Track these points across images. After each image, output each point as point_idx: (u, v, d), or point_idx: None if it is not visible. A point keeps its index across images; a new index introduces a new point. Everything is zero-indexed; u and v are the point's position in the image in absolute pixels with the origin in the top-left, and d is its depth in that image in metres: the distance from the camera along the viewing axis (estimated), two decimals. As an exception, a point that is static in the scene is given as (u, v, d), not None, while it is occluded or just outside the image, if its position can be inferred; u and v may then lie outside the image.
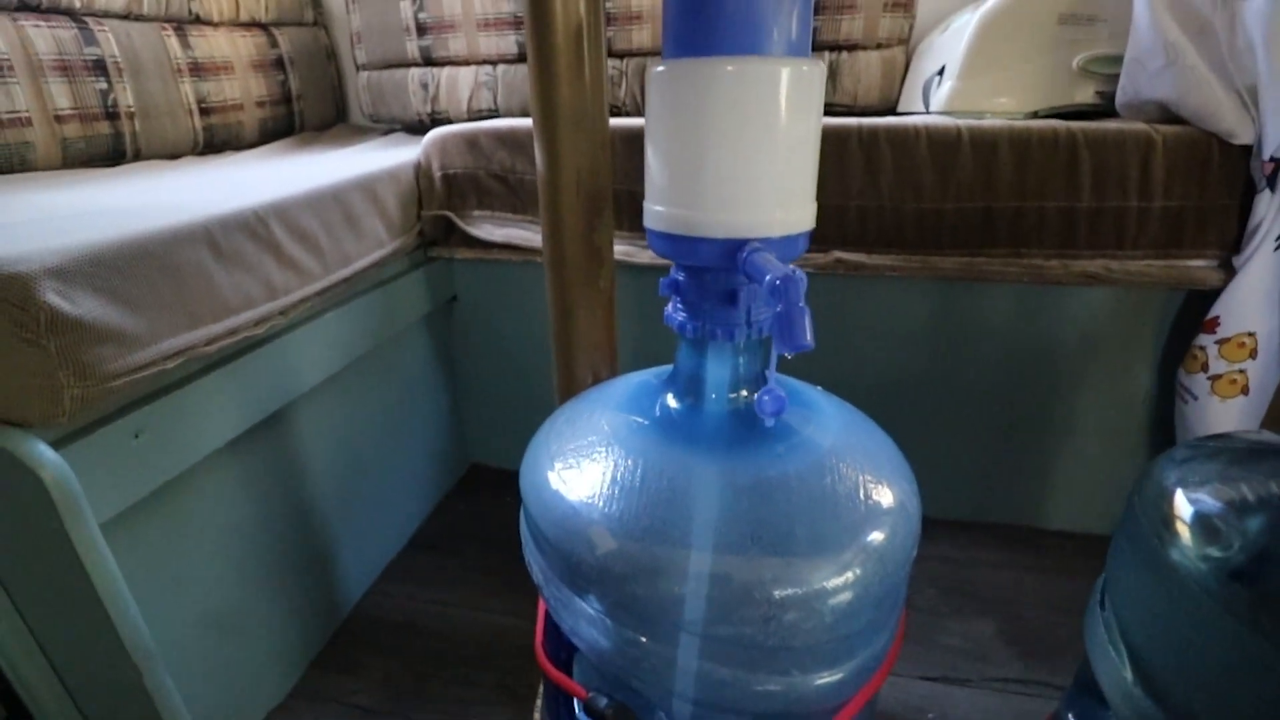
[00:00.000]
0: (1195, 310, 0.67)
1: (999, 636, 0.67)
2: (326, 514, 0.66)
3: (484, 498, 0.91)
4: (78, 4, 0.80)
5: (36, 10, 0.77)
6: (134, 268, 0.41)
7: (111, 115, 0.83)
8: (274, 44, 1.06)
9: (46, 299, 0.36)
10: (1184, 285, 0.66)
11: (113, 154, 0.84)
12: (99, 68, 0.81)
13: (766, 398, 0.30)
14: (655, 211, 0.31)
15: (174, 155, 0.92)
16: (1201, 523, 0.31)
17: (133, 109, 0.85)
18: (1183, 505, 0.32)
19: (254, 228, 0.51)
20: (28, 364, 0.37)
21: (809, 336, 0.23)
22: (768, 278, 0.24)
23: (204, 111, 0.94)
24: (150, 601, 0.45)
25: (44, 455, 0.38)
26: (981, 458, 0.78)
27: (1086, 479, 0.77)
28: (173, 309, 0.44)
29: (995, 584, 0.73)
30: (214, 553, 0.53)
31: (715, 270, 0.31)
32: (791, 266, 0.25)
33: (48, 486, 0.37)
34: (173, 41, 0.90)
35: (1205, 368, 0.66)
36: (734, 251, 0.29)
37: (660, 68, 0.28)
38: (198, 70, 0.93)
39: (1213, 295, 0.65)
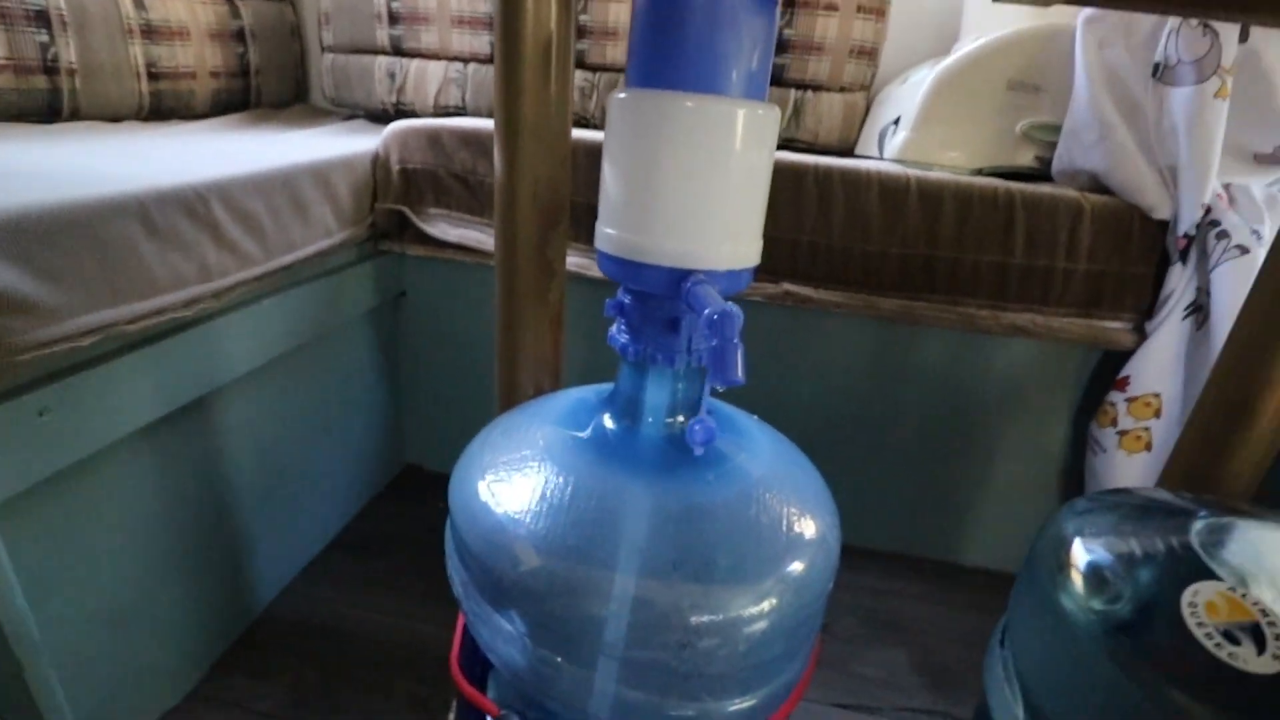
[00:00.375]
0: (1110, 368, 0.71)
1: (911, 667, 0.69)
2: (245, 508, 0.63)
3: (416, 500, 0.89)
4: (23, -50, 0.76)
5: (-25, -49, 0.72)
6: (57, 237, 0.39)
7: (50, 70, 0.78)
8: (236, 14, 1.02)
9: (-48, 262, 0.34)
10: (1101, 344, 0.71)
11: (48, 111, 0.79)
12: (41, 18, 0.77)
13: (698, 427, 0.30)
14: (606, 234, 0.31)
15: (115, 118, 0.88)
16: (1093, 573, 0.33)
17: (74, 65, 0.80)
18: (1078, 555, 0.35)
19: (193, 205, 0.49)
20: (-77, 330, 0.34)
21: (740, 372, 0.24)
22: (706, 311, 0.24)
23: (153, 76, 0.90)
24: (41, 591, 0.43)
25: (-68, 428, 0.35)
26: (907, 492, 0.81)
27: (1002, 518, 0.81)
28: (95, 283, 0.42)
29: (912, 616, 0.76)
30: (117, 543, 0.50)
31: (660, 297, 0.31)
32: (730, 303, 0.26)
33: (-67, 462, 0.35)
34: (126, 1, 0.86)
35: (1115, 423, 0.70)
36: (679, 280, 0.29)
37: (622, 94, 0.28)
38: (150, 33, 0.89)
39: (1126, 355, 0.69)
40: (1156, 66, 0.65)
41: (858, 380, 0.76)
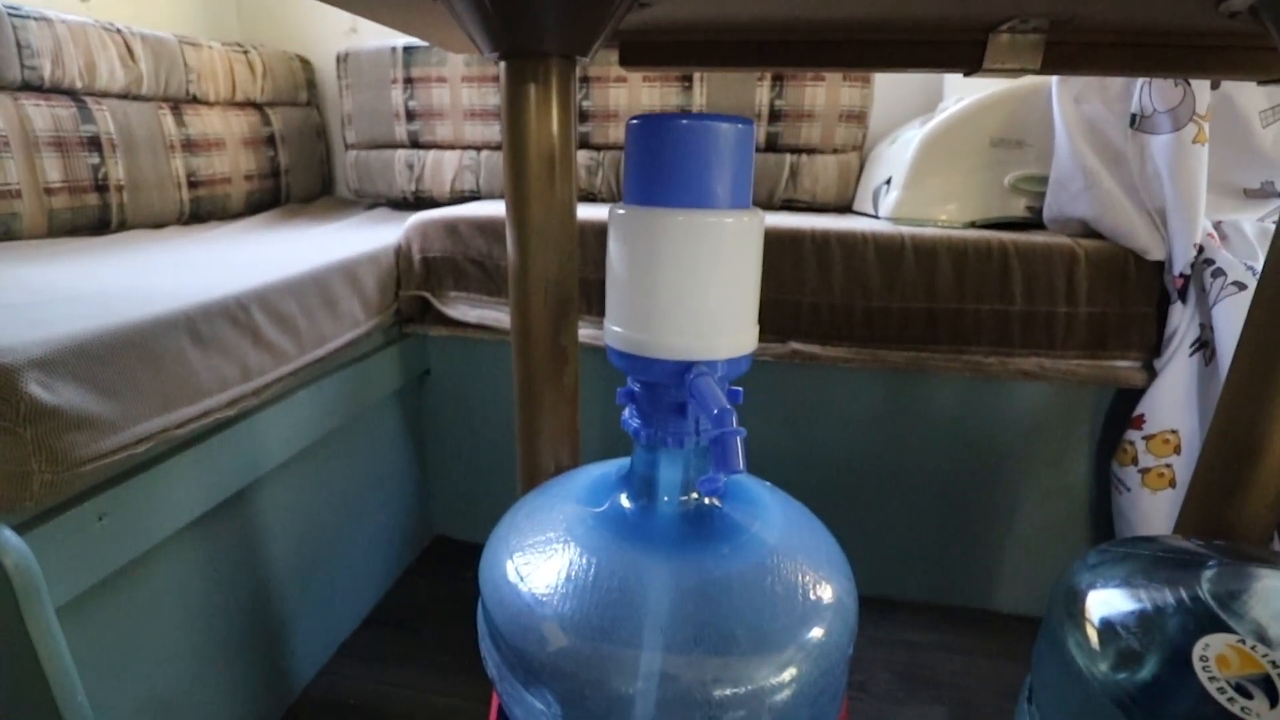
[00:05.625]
0: (1125, 406, 0.72)
1: (951, 724, 0.68)
2: (284, 591, 0.65)
3: (446, 572, 0.90)
4: (79, 84, 0.84)
5: (39, 90, 0.81)
6: (115, 357, 0.43)
7: (101, 188, 0.85)
8: (266, 122, 1.11)
9: (28, 390, 0.38)
10: (1111, 383, 0.71)
11: (99, 224, 0.86)
12: (93, 144, 0.84)
13: (704, 482, 0.33)
14: (614, 331, 0.34)
15: (159, 225, 0.95)
16: (1106, 629, 0.34)
17: (122, 182, 0.88)
18: (1091, 610, 0.35)
19: (235, 314, 0.53)
20: (1, 450, 0.38)
21: (741, 463, 0.26)
22: (709, 407, 0.27)
23: (192, 185, 0.97)
24: (97, 684, 0.45)
25: (7, 540, 0.38)
26: (934, 539, 0.81)
27: (1033, 563, 0.80)
28: (148, 394, 0.45)
29: (949, 669, 0.75)
30: (165, 633, 0.52)
31: (666, 385, 0.34)
32: (731, 389, 0.28)
33: (8, 572, 0.38)
34: (168, 120, 0.94)
35: (1135, 461, 0.70)
36: (683, 372, 0.32)
37: (621, 210, 0.32)
38: (190, 146, 0.97)
39: (1140, 393, 0.70)
40: (1134, 117, 0.67)
41: (874, 432, 0.77)
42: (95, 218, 0.85)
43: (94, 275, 0.61)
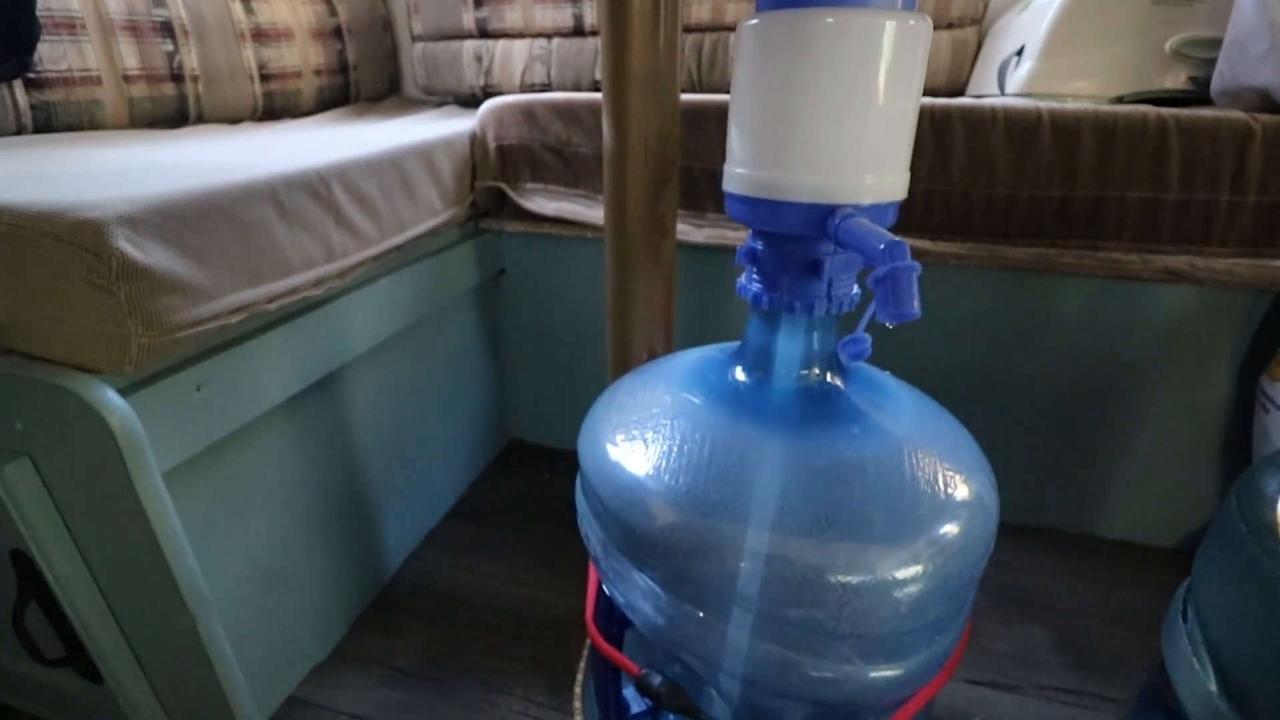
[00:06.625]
0: (1284, 314, 0.63)
1: (1051, 645, 0.64)
2: (372, 478, 0.66)
3: (524, 474, 0.91)
4: (148, -34, 0.82)
5: (109, -29, 0.78)
6: (202, 221, 0.42)
7: (177, 77, 0.84)
8: (333, 12, 1.07)
9: (119, 246, 0.36)
10: (1274, 287, 0.62)
11: (177, 115, 0.86)
12: (166, 29, 0.83)
13: (850, 342, 0.29)
14: (736, 174, 0.29)
15: (234, 120, 0.94)
16: (1314, 533, 0.29)
17: (197, 72, 0.86)
18: (1290, 514, 0.30)
19: (316, 188, 0.51)
20: (98, 310, 0.37)
21: (916, 305, 0.21)
22: (873, 243, 0.22)
23: (264, 78, 0.95)
24: (204, 552, 0.46)
25: (111, 401, 0.38)
26: (1040, 458, 0.75)
27: (1151, 488, 0.74)
28: (237, 264, 0.44)
29: (1049, 592, 0.71)
30: (265, 508, 0.53)
31: (798, 239, 0.29)
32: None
33: (114, 432, 0.38)
34: (236, 6, 0.91)
35: (1292, 376, 0.62)
36: (820, 218, 0.27)
37: (753, 20, 0.27)
38: (260, 36, 0.94)
39: (1305, 299, 0.61)
40: (1348, -44, 0.55)
41: (983, 337, 0.70)
42: (173, 109, 0.85)
43: (176, 154, 0.60)
